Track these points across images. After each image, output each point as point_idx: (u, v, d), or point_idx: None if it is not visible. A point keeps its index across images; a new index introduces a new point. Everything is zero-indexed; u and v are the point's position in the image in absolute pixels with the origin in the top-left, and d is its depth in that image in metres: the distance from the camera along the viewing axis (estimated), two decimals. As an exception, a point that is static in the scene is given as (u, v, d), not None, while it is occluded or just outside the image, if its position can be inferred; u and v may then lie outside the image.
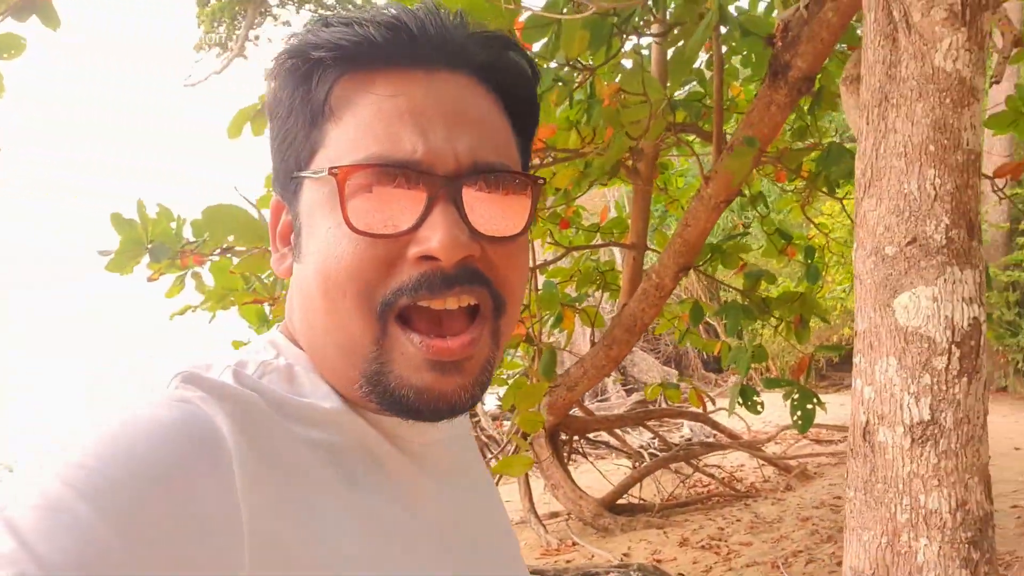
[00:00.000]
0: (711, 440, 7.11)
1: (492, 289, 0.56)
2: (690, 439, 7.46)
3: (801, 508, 5.42)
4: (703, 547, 4.72)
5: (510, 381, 3.29)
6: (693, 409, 6.20)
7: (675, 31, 3.56)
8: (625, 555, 4.63)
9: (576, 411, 6.04)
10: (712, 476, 6.39)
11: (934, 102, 1.51)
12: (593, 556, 4.60)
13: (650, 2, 3.50)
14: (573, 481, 5.51)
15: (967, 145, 1.51)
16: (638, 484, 5.96)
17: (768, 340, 9.93)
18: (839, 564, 3.92)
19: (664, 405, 7.25)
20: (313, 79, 0.56)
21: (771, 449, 7.24)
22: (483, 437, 6.39)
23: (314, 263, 0.56)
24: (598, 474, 6.19)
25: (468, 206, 0.54)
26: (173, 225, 2.86)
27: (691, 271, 4.29)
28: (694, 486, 6.43)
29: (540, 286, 4.15)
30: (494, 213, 0.56)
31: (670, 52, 3.78)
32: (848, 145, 3.64)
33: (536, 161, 3.57)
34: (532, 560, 4.67)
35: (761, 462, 6.62)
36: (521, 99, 0.62)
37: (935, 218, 1.51)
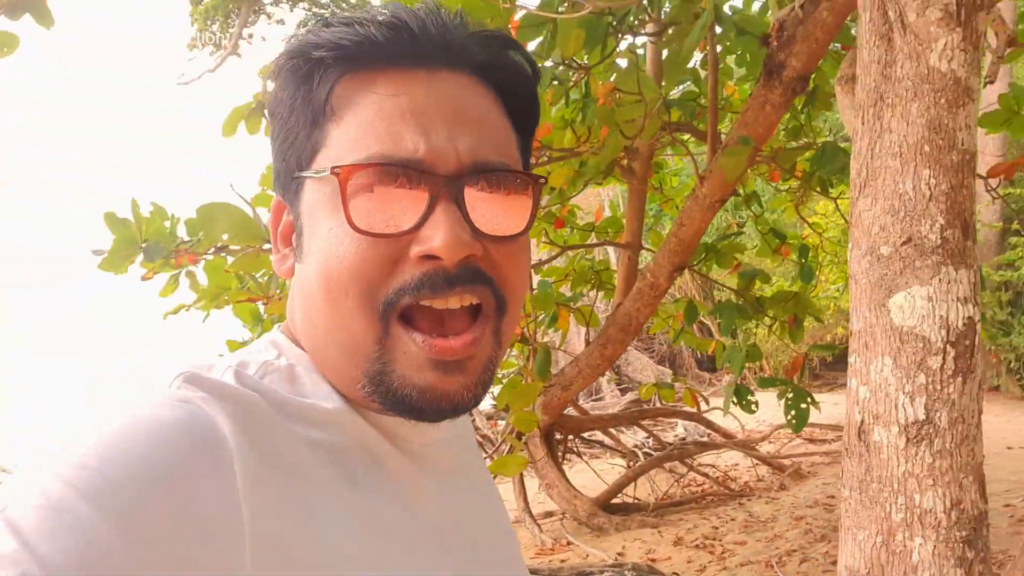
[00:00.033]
0: (705, 439, 7.14)
1: (494, 288, 0.56)
2: (684, 438, 7.47)
3: (795, 507, 5.43)
4: (697, 546, 4.73)
5: (505, 380, 3.30)
6: (687, 408, 6.22)
7: (670, 31, 3.56)
8: (619, 554, 4.63)
9: (571, 410, 6.06)
10: (706, 475, 6.41)
11: (929, 102, 1.51)
12: (588, 555, 4.60)
13: (645, 1, 3.51)
14: (568, 480, 5.52)
15: (962, 145, 1.52)
16: (632, 483, 5.98)
17: (762, 339, 9.97)
18: (833, 563, 3.94)
19: (658, 404, 7.25)
20: (314, 79, 0.56)
21: (765, 448, 7.27)
22: (478, 436, 6.39)
23: (316, 263, 0.56)
24: (593, 473, 6.20)
25: (470, 205, 0.54)
26: (167, 224, 2.85)
27: (686, 270, 4.30)
28: (688, 485, 6.44)
29: (535, 285, 4.16)
30: (496, 212, 0.56)
31: (665, 52, 3.79)
32: (842, 145, 3.65)
33: (531, 160, 3.56)
34: (527, 560, 4.66)
35: (755, 461, 6.65)
36: (521, 98, 0.62)
37: (930, 218, 1.51)
